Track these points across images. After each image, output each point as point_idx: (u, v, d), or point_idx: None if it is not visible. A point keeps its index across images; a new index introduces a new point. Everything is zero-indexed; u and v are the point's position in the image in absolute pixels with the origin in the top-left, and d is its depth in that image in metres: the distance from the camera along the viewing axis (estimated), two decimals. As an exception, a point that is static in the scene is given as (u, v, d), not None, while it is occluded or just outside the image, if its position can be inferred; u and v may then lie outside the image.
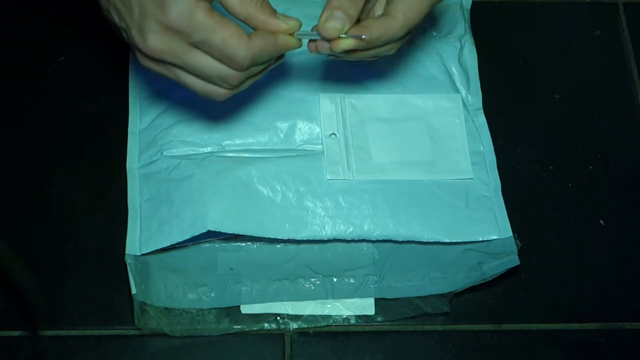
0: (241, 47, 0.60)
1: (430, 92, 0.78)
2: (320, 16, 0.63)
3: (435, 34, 0.81)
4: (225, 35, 0.60)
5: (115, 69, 0.79)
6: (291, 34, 0.63)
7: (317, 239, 0.72)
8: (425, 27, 0.80)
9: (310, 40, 0.64)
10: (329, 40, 0.63)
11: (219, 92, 0.64)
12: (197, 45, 0.61)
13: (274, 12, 0.62)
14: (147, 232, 0.71)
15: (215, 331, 0.70)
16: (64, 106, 0.78)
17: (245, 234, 0.71)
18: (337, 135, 0.75)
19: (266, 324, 0.70)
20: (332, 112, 0.76)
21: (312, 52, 0.65)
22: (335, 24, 0.62)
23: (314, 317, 0.71)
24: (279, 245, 0.73)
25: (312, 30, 0.64)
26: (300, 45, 0.64)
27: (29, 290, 0.65)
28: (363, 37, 0.63)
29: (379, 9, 0.67)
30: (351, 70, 0.77)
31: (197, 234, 0.70)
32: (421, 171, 0.74)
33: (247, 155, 0.74)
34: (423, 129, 0.76)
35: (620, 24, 0.86)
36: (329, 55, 0.65)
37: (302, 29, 0.65)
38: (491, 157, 0.76)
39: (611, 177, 0.78)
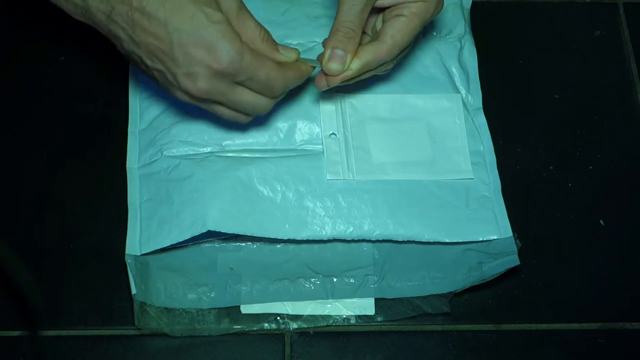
0: (279, 78, 0.66)
1: (430, 92, 0.78)
2: (324, 54, 0.69)
3: (435, 34, 0.81)
4: (267, 70, 0.66)
5: (115, 69, 0.79)
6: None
7: (317, 239, 0.72)
8: (426, 27, 0.80)
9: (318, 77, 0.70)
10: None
11: (246, 118, 0.70)
12: (241, 83, 0.66)
13: (276, 46, 0.68)
14: (147, 232, 0.71)
15: (215, 331, 0.70)
16: (64, 106, 0.79)
17: (245, 234, 0.71)
18: (337, 135, 0.75)
19: (266, 324, 0.70)
20: (332, 112, 0.76)
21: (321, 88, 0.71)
22: (337, 66, 0.68)
23: (314, 317, 0.71)
24: (279, 245, 0.73)
25: (317, 58, 0.69)
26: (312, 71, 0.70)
27: (29, 290, 0.65)
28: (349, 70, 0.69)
29: (379, 24, 0.72)
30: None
31: (197, 234, 0.70)
32: (421, 171, 0.74)
33: (247, 155, 0.74)
34: (423, 129, 0.76)
35: (620, 24, 0.86)
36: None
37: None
38: (491, 157, 0.76)
39: (611, 177, 0.78)
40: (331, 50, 0.68)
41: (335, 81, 0.69)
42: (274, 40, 0.68)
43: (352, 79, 0.70)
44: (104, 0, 0.64)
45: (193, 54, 0.64)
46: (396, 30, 0.69)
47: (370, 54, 0.69)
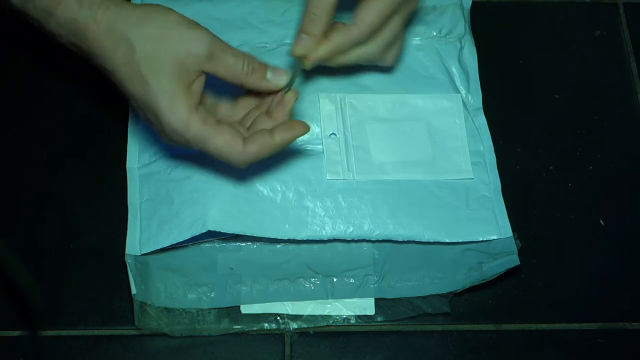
0: (234, 154, 0.65)
1: (430, 92, 0.78)
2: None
3: (435, 34, 0.81)
4: (218, 144, 0.64)
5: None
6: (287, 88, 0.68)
7: (317, 239, 0.72)
8: (425, 27, 0.80)
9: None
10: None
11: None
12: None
13: (264, 75, 0.67)
14: (147, 232, 0.71)
15: (215, 331, 0.70)
16: (64, 106, 0.78)
17: (245, 234, 0.71)
18: (337, 135, 0.75)
19: (266, 324, 0.70)
20: (332, 112, 0.76)
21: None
22: (300, 49, 0.69)
23: (314, 317, 0.71)
24: (279, 245, 0.73)
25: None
26: (307, 130, 0.67)
27: (29, 290, 0.65)
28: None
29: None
30: (351, 70, 0.77)
31: (197, 234, 0.70)
32: (421, 171, 0.74)
33: (247, 155, 0.74)
34: (423, 129, 0.76)
35: (620, 24, 0.86)
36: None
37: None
38: (491, 157, 0.76)
39: (611, 177, 0.78)
40: (298, 35, 0.70)
41: (309, 62, 0.70)
42: (262, 65, 0.67)
43: (332, 59, 0.71)
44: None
45: (148, 117, 0.66)
46: (364, 11, 0.70)
47: (339, 36, 0.70)
